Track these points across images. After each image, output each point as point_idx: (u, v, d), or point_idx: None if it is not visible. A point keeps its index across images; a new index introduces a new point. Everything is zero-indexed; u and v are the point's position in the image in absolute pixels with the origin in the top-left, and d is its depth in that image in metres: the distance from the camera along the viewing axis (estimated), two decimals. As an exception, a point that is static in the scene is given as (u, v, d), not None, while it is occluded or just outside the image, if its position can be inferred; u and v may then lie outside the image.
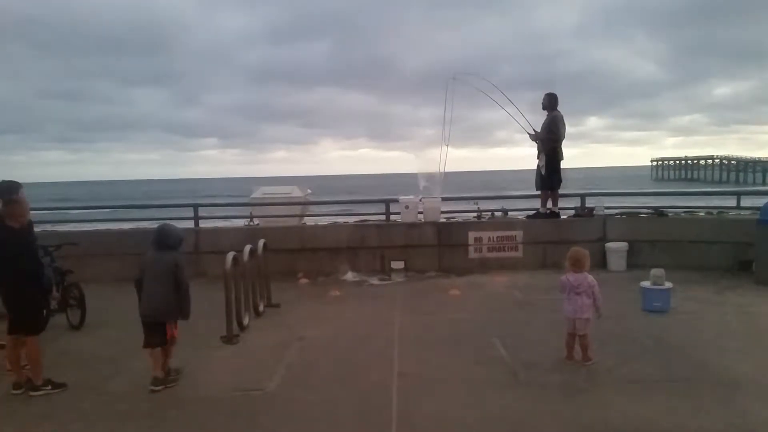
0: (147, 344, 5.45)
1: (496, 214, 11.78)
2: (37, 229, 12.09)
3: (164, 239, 5.55)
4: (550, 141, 10.43)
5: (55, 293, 5.97)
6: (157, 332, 5.41)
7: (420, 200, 10.87)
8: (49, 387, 5.23)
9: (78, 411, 4.81)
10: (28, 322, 5.30)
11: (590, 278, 5.63)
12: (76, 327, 7.31)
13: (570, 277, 5.61)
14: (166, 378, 5.36)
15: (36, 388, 5.20)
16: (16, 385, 5.26)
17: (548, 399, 4.78)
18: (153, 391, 5.16)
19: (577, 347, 5.69)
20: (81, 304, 7.41)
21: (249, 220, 11.83)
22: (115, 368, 5.83)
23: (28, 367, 5.36)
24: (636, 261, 10.02)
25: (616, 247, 10.12)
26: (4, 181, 6.23)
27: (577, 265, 5.62)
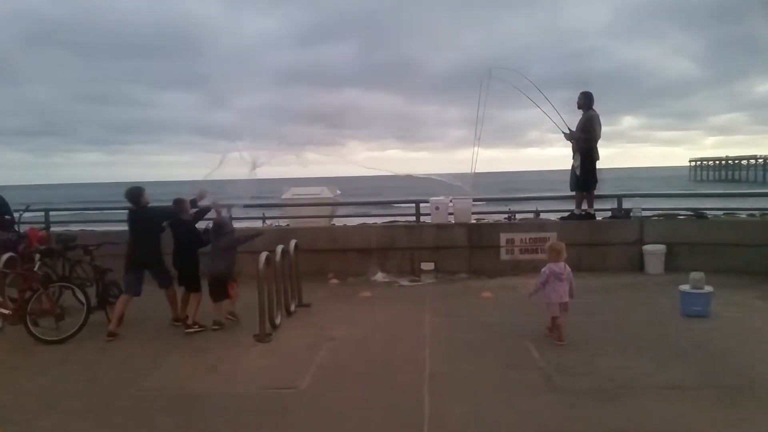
0: (213, 299, 7.37)
1: (519, 216, 11.63)
2: (77, 228, 12.52)
3: (220, 229, 7.49)
4: (585, 141, 10.27)
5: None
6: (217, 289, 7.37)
7: (450, 201, 10.81)
8: (196, 327, 7.14)
9: (117, 406, 4.92)
10: (191, 283, 7.39)
11: (567, 267, 6.34)
12: (115, 324, 7.46)
13: (554, 267, 6.27)
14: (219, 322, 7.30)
15: (190, 327, 7.12)
16: (176, 320, 7.43)
17: (583, 404, 4.69)
18: (215, 330, 7.17)
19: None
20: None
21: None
22: (152, 364, 5.95)
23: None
24: (674, 264, 9.78)
25: (654, 250, 9.91)
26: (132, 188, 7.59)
27: (558, 256, 6.31)
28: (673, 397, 4.78)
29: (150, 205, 7.64)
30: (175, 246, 7.47)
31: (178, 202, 7.54)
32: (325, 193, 11.97)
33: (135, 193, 7.44)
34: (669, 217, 11.14)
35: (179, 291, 7.56)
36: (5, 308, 7.10)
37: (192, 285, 7.40)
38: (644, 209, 11.02)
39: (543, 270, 6.34)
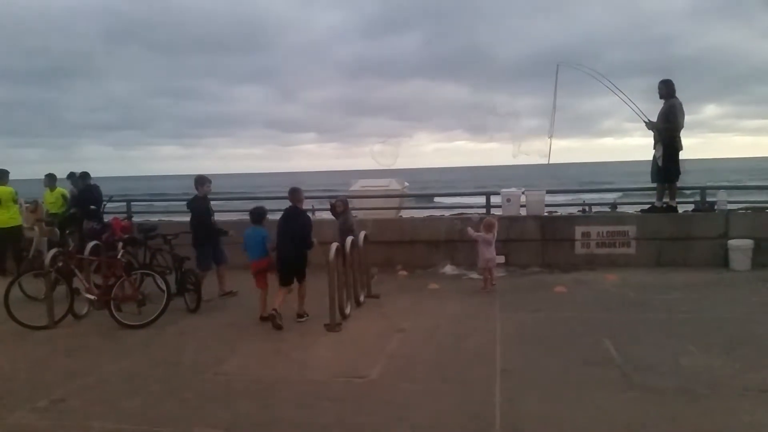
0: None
1: (594, 209, 11.23)
2: (155, 219, 13.10)
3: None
4: (668, 130, 9.80)
5: None
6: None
7: (523, 193, 10.58)
8: (306, 317, 7.19)
9: (196, 389, 5.09)
10: (303, 274, 7.27)
11: (495, 235, 8.60)
12: (193, 310, 7.77)
13: (486, 236, 8.51)
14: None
15: (301, 316, 7.20)
16: (300, 316, 7.27)
17: (664, 403, 4.48)
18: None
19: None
20: (197, 288, 7.85)
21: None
22: (229, 350, 6.14)
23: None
24: (762, 260, 9.25)
25: (741, 245, 9.35)
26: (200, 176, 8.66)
27: (489, 230, 8.55)
28: (763, 400, 4.50)
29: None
30: (290, 236, 7.16)
31: (294, 192, 7.41)
32: (393, 185, 11.99)
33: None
34: (757, 210, 10.48)
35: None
36: (91, 294, 7.48)
37: (303, 275, 7.29)
38: (730, 202, 10.47)
39: (479, 235, 8.59)
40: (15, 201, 10.78)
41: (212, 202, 9.21)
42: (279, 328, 6.80)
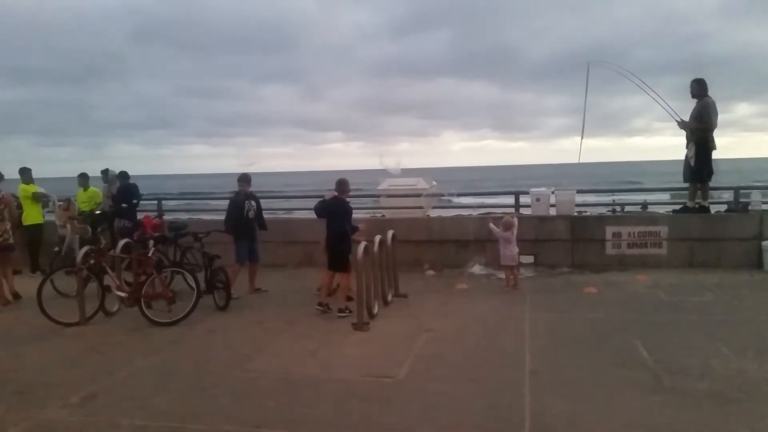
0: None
1: (625, 209, 11.04)
2: (186, 217, 13.27)
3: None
4: (700, 130, 9.59)
5: None
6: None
7: (552, 192, 10.46)
8: (347, 311, 7.22)
9: (225, 386, 5.14)
10: (340, 263, 7.46)
11: (514, 234, 8.67)
12: (222, 308, 7.85)
13: (505, 233, 8.62)
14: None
15: (342, 311, 7.27)
16: (321, 305, 7.50)
17: (696, 407, 4.38)
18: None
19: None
20: (226, 287, 7.93)
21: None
22: (257, 348, 6.19)
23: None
24: (799, 262, 8.96)
25: (776, 246, 9.09)
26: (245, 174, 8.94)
27: (507, 229, 8.64)
28: (801, 406, 4.36)
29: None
30: (335, 226, 7.55)
31: (342, 183, 7.71)
32: (421, 184, 11.93)
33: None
34: (794, 210, 10.18)
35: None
36: (122, 291, 7.60)
37: (341, 265, 7.51)
38: (764, 202, 10.20)
39: (497, 232, 8.73)
40: (36, 199, 10.94)
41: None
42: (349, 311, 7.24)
